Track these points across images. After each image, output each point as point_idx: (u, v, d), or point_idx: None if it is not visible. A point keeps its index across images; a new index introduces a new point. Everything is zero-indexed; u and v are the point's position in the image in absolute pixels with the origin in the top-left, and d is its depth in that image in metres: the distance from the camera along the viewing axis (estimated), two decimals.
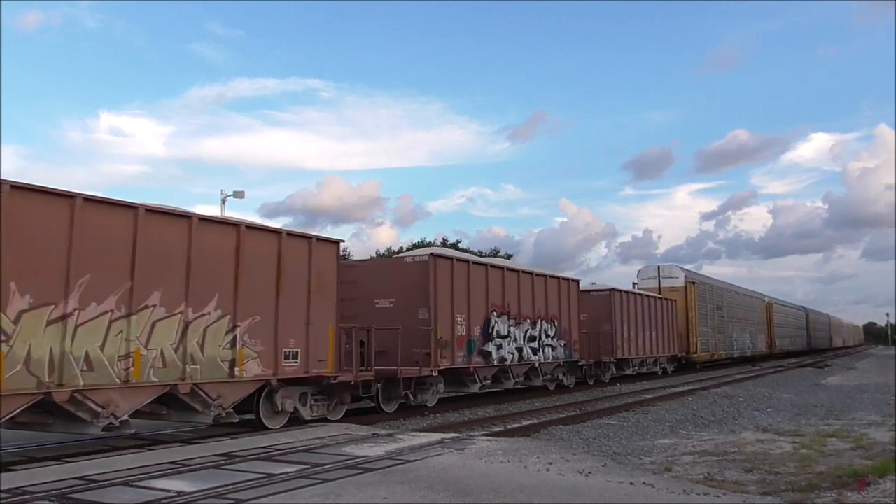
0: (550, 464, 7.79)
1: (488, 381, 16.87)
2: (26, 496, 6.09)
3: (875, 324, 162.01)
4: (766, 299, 50.88)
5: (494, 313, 17.12)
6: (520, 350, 18.16)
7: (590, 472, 7.28)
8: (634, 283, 33.57)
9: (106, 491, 6.37)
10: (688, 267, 39.88)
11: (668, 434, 12.25)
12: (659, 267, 34.46)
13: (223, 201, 29.42)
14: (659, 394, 19.90)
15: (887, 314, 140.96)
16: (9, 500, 5.96)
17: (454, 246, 47.77)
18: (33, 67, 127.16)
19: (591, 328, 22.93)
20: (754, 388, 22.90)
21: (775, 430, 12.09)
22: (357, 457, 8.13)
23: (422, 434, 10.74)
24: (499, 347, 17.28)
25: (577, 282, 22.27)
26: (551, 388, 20.23)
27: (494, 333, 17.10)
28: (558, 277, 21.07)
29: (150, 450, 8.90)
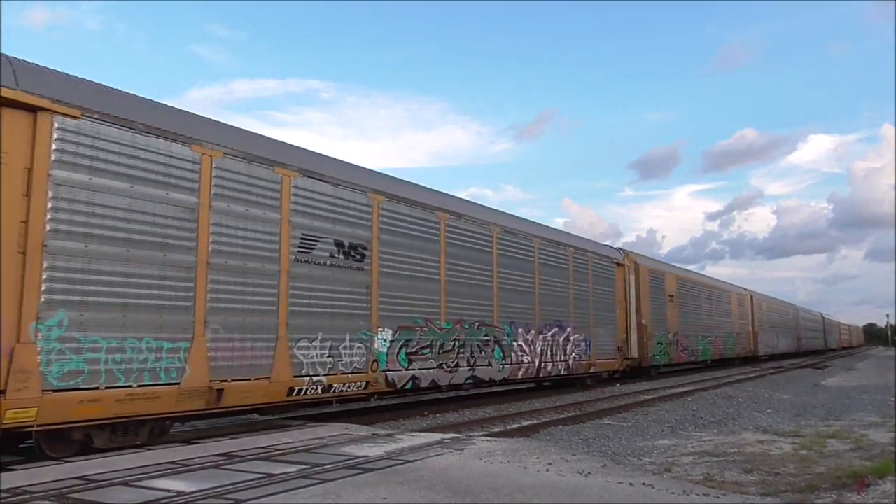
0: (550, 464, 7.79)
1: None
2: (26, 496, 6.10)
3: (875, 325, 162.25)
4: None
5: None
6: None
7: (589, 473, 7.28)
8: None
9: (105, 491, 6.37)
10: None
11: (667, 434, 12.25)
12: None
13: None
14: (659, 394, 19.90)
15: (887, 315, 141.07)
16: (9, 499, 5.96)
17: None
18: None
19: None
20: (754, 388, 22.89)
21: (775, 431, 12.10)
22: (357, 457, 8.13)
23: (422, 434, 10.74)
24: None
25: None
26: None
27: None
28: None
29: (149, 450, 8.90)
